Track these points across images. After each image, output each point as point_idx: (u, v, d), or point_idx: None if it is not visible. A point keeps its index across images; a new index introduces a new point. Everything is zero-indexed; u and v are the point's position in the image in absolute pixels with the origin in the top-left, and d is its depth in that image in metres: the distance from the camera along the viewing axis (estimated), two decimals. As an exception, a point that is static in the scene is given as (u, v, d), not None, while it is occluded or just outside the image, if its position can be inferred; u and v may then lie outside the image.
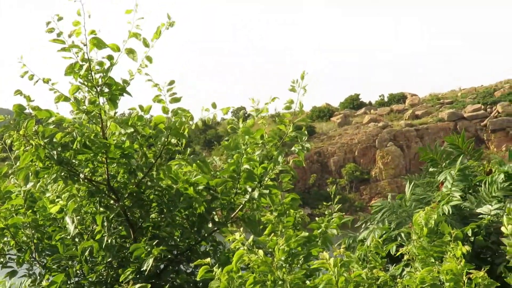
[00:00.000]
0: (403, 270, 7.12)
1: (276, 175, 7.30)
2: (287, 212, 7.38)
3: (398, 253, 6.68)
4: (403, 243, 7.40)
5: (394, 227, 8.08)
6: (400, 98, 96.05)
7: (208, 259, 5.69)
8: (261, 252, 5.58)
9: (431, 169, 9.03)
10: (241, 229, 5.80)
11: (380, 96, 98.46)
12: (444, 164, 8.96)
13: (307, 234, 6.55)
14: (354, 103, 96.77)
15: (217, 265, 5.73)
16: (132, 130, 7.18)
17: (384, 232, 8.00)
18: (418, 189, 8.80)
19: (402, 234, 7.73)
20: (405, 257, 6.45)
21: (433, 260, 6.25)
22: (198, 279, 5.74)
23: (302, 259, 6.31)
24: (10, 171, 7.55)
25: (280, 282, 5.51)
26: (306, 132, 7.54)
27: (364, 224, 8.69)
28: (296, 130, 7.44)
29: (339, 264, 5.52)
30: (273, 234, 6.21)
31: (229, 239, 5.77)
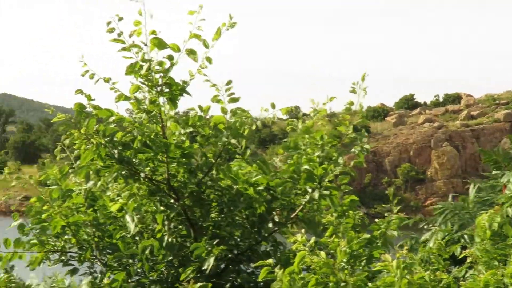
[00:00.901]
0: (466, 272, 7.03)
1: (334, 176, 7.26)
2: (346, 213, 7.33)
3: (462, 255, 6.59)
4: (466, 245, 7.30)
5: (457, 229, 7.99)
6: (455, 98, 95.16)
7: (270, 260, 5.67)
8: (323, 253, 5.54)
9: (494, 172, 8.88)
10: (302, 230, 5.75)
11: (435, 96, 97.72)
12: (507, 166, 8.82)
13: (368, 236, 6.49)
14: (408, 103, 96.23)
15: (278, 266, 5.70)
16: (191, 129, 7.20)
17: (446, 234, 7.90)
18: (482, 192, 8.68)
19: (466, 236, 7.63)
20: (468, 260, 6.36)
21: (496, 263, 6.15)
22: (260, 279, 5.72)
23: (364, 261, 6.27)
24: (70, 170, 7.63)
25: (342, 284, 5.47)
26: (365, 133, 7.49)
27: (426, 225, 8.60)
28: (356, 132, 7.39)
29: (402, 266, 5.46)
30: (334, 235, 6.16)
31: (290, 240, 5.75)
